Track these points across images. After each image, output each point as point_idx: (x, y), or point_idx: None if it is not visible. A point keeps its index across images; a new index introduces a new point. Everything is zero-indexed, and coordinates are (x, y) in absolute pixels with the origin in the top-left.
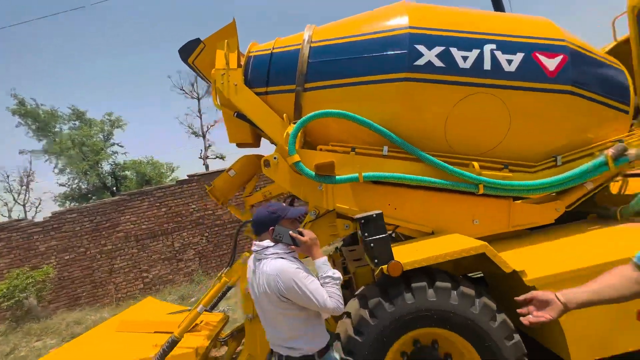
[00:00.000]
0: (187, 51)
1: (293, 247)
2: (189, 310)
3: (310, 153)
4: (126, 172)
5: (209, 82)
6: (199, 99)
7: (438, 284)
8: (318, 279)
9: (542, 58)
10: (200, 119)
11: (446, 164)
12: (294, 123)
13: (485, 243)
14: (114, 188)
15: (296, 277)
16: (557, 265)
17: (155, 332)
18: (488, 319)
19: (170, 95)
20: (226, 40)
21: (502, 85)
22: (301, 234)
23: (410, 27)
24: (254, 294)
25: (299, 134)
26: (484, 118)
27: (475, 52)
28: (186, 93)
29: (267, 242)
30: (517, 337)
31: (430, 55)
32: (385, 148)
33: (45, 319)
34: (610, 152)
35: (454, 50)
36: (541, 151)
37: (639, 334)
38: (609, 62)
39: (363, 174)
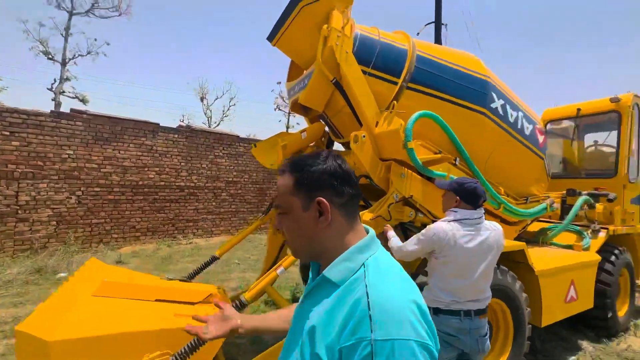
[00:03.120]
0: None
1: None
2: (179, 279)
3: (416, 146)
4: None
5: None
6: (71, 13)
7: (501, 267)
8: None
9: (537, 133)
10: (66, 40)
11: (488, 184)
12: (389, 111)
13: (524, 243)
14: None
15: None
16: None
17: (156, 300)
18: (514, 284)
19: None
20: (348, 4)
21: (522, 141)
22: None
23: (488, 77)
24: (470, 254)
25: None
26: (508, 160)
27: (516, 113)
28: None
29: (477, 211)
30: (525, 295)
31: (498, 103)
32: (457, 159)
33: None
34: (548, 201)
35: (507, 107)
36: (521, 192)
37: None
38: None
39: (450, 175)
